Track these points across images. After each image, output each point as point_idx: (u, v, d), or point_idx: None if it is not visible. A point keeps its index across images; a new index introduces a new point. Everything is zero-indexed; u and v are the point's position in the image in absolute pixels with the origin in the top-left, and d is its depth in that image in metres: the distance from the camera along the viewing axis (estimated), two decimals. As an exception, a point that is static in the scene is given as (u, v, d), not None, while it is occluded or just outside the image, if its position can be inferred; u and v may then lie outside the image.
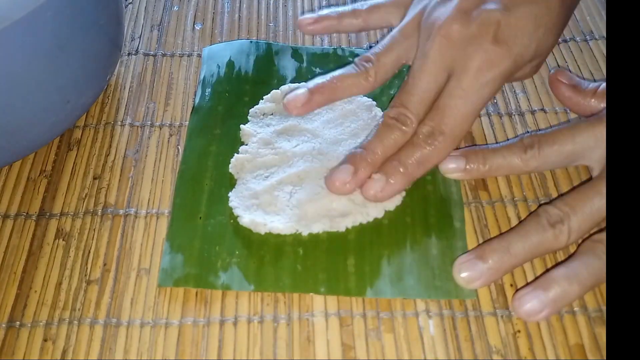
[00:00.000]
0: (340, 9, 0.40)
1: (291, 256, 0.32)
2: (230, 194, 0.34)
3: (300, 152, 0.36)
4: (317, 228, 0.33)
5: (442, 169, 0.35)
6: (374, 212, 0.33)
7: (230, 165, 0.36)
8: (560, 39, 0.43)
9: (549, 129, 0.34)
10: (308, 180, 0.34)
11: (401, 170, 0.32)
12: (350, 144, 0.36)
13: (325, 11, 0.39)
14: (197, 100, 0.39)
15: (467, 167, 0.34)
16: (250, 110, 0.39)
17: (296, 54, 0.42)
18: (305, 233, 0.33)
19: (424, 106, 0.33)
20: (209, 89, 0.40)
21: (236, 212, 0.34)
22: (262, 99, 0.39)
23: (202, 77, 0.41)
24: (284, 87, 0.39)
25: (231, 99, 0.39)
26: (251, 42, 0.43)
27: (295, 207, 0.33)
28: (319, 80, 0.36)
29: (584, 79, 0.40)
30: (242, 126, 0.38)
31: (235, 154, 0.36)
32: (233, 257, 0.32)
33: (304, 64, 0.41)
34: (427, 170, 0.33)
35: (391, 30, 0.37)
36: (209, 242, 0.33)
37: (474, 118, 0.33)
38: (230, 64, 0.41)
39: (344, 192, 0.33)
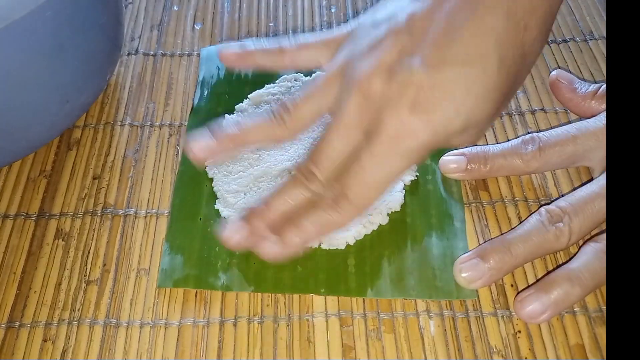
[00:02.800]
0: (267, 43, 0.35)
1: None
2: (217, 205, 0.34)
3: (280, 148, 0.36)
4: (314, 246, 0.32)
5: (443, 168, 0.34)
6: (378, 219, 0.33)
7: (207, 162, 0.35)
8: (560, 39, 0.43)
9: (550, 130, 0.34)
10: None
11: (298, 233, 0.30)
12: None
13: (250, 44, 0.35)
14: (196, 101, 0.39)
15: (468, 167, 0.34)
16: (236, 106, 0.39)
17: None
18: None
19: (334, 166, 0.30)
20: (208, 90, 0.40)
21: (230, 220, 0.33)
22: (248, 98, 0.39)
23: (200, 78, 0.41)
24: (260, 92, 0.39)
25: (231, 101, 0.39)
26: (252, 43, 0.42)
27: None
28: (229, 125, 0.32)
29: (584, 79, 0.40)
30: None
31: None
32: (233, 257, 0.32)
33: None
34: (326, 233, 0.31)
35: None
36: (209, 243, 0.33)
37: (383, 188, 0.30)
38: None
39: (237, 248, 0.31)
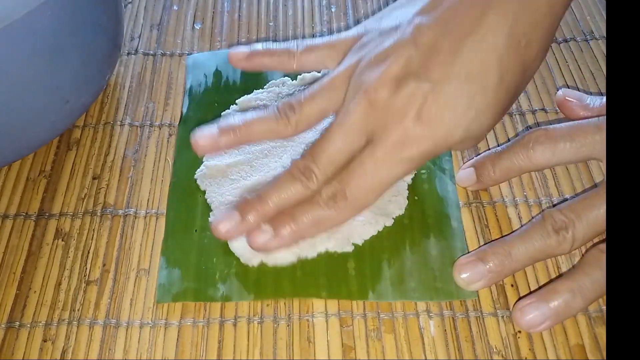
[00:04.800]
0: (275, 45, 0.36)
1: None
2: (212, 218, 0.33)
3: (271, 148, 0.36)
4: (322, 247, 0.32)
5: (459, 184, 0.35)
6: (382, 219, 0.33)
7: (196, 175, 0.35)
8: (560, 39, 0.43)
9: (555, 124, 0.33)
10: None
11: (292, 226, 0.30)
12: None
13: (258, 46, 0.36)
14: (184, 111, 0.39)
15: (479, 176, 0.34)
16: (222, 113, 0.38)
17: None
18: (309, 256, 0.32)
19: (334, 166, 0.31)
20: (197, 99, 0.39)
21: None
22: (236, 103, 0.39)
23: (188, 86, 0.40)
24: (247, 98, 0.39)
25: (220, 109, 0.38)
26: None
27: None
28: (235, 120, 0.33)
29: (584, 79, 0.40)
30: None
31: (205, 162, 0.36)
32: (231, 267, 0.32)
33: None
34: (321, 231, 0.31)
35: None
36: (206, 255, 0.32)
37: (381, 191, 0.31)
38: (217, 73, 0.41)
39: (228, 238, 0.31)
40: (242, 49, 0.36)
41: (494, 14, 0.29)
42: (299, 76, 0.40)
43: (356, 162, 0.31)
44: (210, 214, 0.34)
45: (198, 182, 0.35)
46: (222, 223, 0.31)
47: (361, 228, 0.33)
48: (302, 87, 0.39)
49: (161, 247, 0.33)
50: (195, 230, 0.33)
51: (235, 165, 0.35)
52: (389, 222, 0.33)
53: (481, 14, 0.30)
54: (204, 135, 0.33)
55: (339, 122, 0.31)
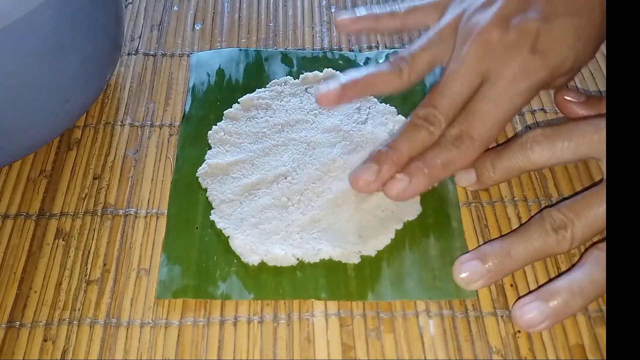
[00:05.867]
0: (379, 10, 0.39)
1: None
2: (212, 216, 0.33)
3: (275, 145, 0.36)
4: (326, 255, 0.32)
5: (459, 184, 0.35)
6: (394, 223, 0.33)
7: (198, 173, 0.35)
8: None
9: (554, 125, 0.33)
10: (307, 193, 0.34)
11: (425, 171, 0.32)
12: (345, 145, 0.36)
13: (362, 11, 0.39)
14: (187, 109, 0.39)
15: (479, 176, 0.33)
16: (225, 112, 0.38)
17: (286, 58, 0.42)
18: (312, 260, 0.32)
19: (455, 109, 0.33)
20: (200, 97, 0.40)
21: (226, 232, 0.33)
22: (238, 102, 0.39)
23: (191, 84, 0.40)
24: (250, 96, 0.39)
25: (223, 108, 0.39)
26: (240, 50, 0.42)
27: (295, 231, 0.32)
28: (352, 75, 0.35)
29: (584, 79, 0.40)
30: (214, 127, 0.37)
31: (207, 160, 0.36)
32: (232, 266, 0.32)
33: (295, 68, 0.41)
34: (451, 173, 0.33)
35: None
36: (207, 252, 0.32)
37: (504, 125, 0.33)
38: (220, 72, 0.41)
39: (367, 191, 0.33)
40: (347, 15, 0.39)
41: None
42: (301, 75, 0.40)
43: (477, 100, 0.32)
44: (212, 211, 0.34)
45: (200, 179, 0.35)
46: (362, 175, 0.32)
47: (375, 240, 0.32)
48: (304, 87, 0.39)
49: (162, 243, 0.33)
50: (197, 228, 0.33)
51: (237, 163, 0.35)
52: (399, 226, 0.33)
53: None
54: (329, 91, 0.34)
55: (454, 67, 0.33)
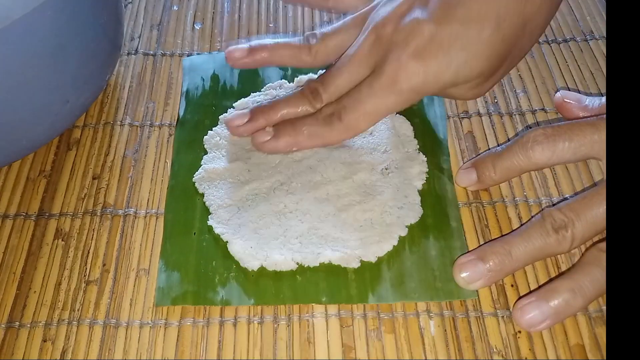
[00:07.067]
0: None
1: None
2: (210, 222, 0.33)
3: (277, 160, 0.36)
4: (325, 259, 0.32)
5: (459, 184, 0.35)
6: (397, 229, 0.32)
7: (194, 178, 0.35)
8: (560, 39, 0.43)
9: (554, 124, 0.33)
10: (303, 201, 0.33)
11: (291, 132, 0.35)
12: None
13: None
14: (182, 113, 0.39)
15: (479, 176, 0.34)
16: (220, 117, 0.38)
17: None
18: (311, 264, 0.32)
19: (338, 91, 0.35)
20: (194, 102, 0.39)
21: (225, 237, 0.33)
22: (233, 107, 0.39)
23: (184, 89, 0.40)
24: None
25: (218, 112, 0.38)
26: None
27: (294, 236, 0.32)
28: (264, 39, 0.37)
29: (584, 79, 0.40)
30: (210, 132, 0.37)
31: (203, 165, 0.36)
32: (231, 271, 0.32)
33: (289, 72, 0.41)
34: (314, 145, 0.35)
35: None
36: (205, 258, 0.32)
37: (374, 119, 0.34)
38: (214, 76, 0.41)
39: (237, 134, 0.36)
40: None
41: None
42: (295, 78, 0.40)
43: (355, 89, 0.34)
44: (209, 216, 0.33)
45: (196, 185, 0.35)
46: (235, 119, 0.36)
47: (376, 245, 0.32)
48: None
49: (160, 250, 0.33)
50: (194, 233, 0.33)
51: (233, 169, 0.35)
52: (403, 232, 0.33)
53: None
54: (237, 48, 0.36)
55: (349, 53, 0.35)
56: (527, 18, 0.32)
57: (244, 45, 0.37)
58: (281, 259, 0.31)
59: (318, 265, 0.32)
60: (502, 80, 0.40)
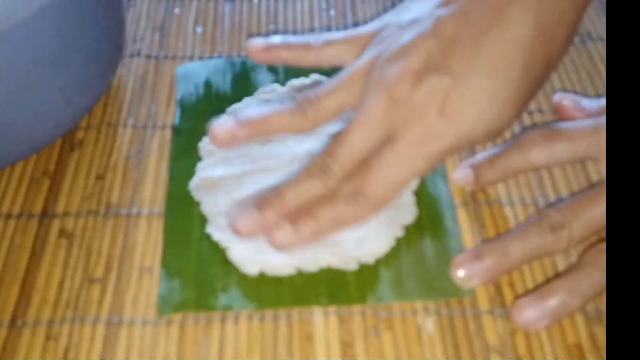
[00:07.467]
0: (293, 39, 0.36)
1: None
2: (208, 229, 0.33)
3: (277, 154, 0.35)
4: (324, 263, 0.32)
5: (455, 184, 0.34)
6: (394, 230, 0.33)
7: (190, 186, 0.35)
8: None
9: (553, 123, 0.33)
10: None
11: (313, 224, 0.30)
12: None
13: (277, 39, 0.36)
14: (177, 121, 0.39)
15: (477, 176, 0.34)
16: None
17: (272, 67, 0.41)
18: (312, 269, 0.32)
19: (353, 162, 0.31)
20: (189, 109, 0.39)
21: (223, 244, 0.32)
22: (227, 112, 0.38)
23: (179, 96, 0.40)
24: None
25: (212, 119, 0.38)
26: (226, 60, 0.42)
27: None
28: (251, 112, 0.32)
29: (581, 81, 0.40)
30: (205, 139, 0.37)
31: (199, 172, 0.35)
32: (231, 276, 0.32)
33: (281, 76, 0.40)
34: (341, 228, 0.31)
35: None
36: (205, 265, 0.32)
37: (401, 188, 0.31)
38: (207, 83, 0.41)
39: (246, 236, 0.31)
40: (260, 41, 0.36)
41: (517, 5, 0.29)
42: (287, 82, 0.40)
43: (376, 159, 0.30)
44: (207, 224, 0.33)
45: (192, 193, 0.35)
46: (240, 220, 0.30)
47: (372, 245, 0.32)
48: (292, 95, 0.38)
49: (160, 258, 0.33)
50: (193, 240, 0.33)
51: (229, 177, 0.35)
52: (401, 233, 0.33)
53: (504, 5, 0.29)
54: (222, 127, 0.32)
55: (358, 118, 0.31)
56: (551, 57, 0.30)
57: (230, 123, 0.32)
58: (280, 264, 0.31)
59: (317, 269, 0.32)
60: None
